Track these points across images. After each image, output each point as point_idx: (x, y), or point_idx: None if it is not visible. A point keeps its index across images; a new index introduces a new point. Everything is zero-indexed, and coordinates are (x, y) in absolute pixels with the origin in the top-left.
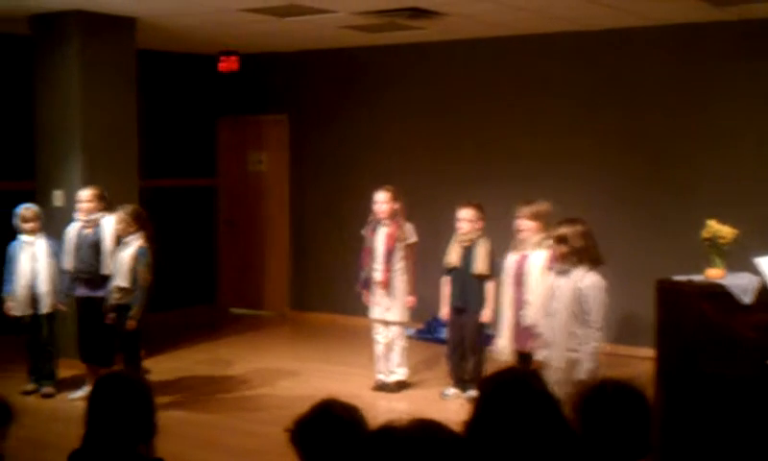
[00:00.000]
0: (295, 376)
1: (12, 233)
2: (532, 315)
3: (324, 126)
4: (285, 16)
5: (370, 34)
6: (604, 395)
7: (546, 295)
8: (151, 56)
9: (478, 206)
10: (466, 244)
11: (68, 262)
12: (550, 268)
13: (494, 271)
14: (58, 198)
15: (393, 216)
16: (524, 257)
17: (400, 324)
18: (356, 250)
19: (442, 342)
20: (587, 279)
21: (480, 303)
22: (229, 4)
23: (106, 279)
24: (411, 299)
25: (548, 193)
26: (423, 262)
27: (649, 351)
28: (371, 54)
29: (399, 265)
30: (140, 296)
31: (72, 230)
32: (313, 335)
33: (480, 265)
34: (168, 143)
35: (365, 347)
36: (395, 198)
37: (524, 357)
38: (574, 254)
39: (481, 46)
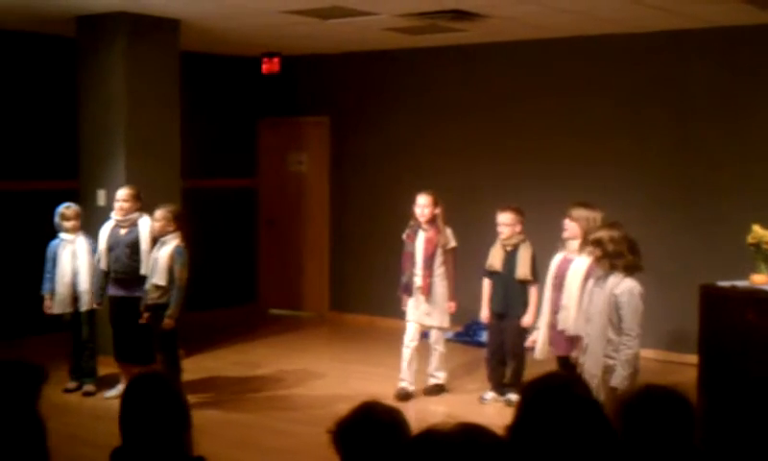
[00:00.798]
0: (333, 377)
1: (52, 233)
2: (566, 320)
3: (364, 128)
4: (328, 18)
5: (411, 36)
6: (647, 401)
7: (586, 301)
8: (193, 57)
9: (517, 210)
10: (508, 248)
11: (102, 262)
12: (588, 274)
13: (536, 275)
14: (101, 197)
15: (433, 221)
16: (567, 260)
17: (440, 328)
18: (396, 252)
19: (481, 345)
20: (622, 286)
21: (522, 308)
22: (273, 6)
23: (142, 279)
24: (452, 304)
25: (590, 196)
26: (462, 265)
27: (693, 358)
28: (412, 56)
29: (440, 270)
30: (177, 295)
31: (105, 230)
32: (352, 337)
33: (523, 270)
34: (210, 144)
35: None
36: (435, 202)
37: (563, 362)
38: (607, 258)
39: (523, 48)
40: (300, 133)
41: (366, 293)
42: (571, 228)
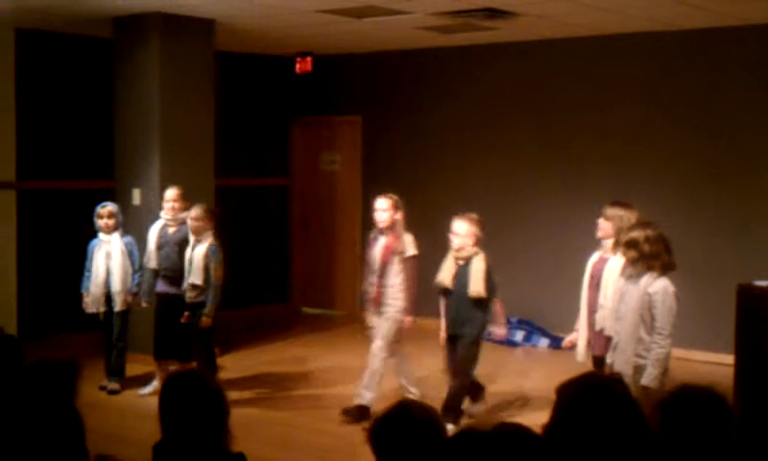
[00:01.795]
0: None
1: (89, 232)
2: (604, 320)
3: (397, 127)
4: (362, 17)
5: (444, 35)
6: (685, 400)
7: (617, 299)
8: (227, 57)
9: (474, 220)
10: (460, 262)
11: (153, 261)
12: (621, 273)
13: (493, 290)
14: (136, 197)
15: (393, 227)
16: (603, 260)
17: (384, 344)
18: (426, 252)
19: (514, 344)
20: (655, 285)
21: (477, 327)
22: (307, 5)
23: None
24: (408, 319)
25: (625, 196)
26: (495, 261)
27: (729, 358)
28: (445, 55)
29: (396, 281)
30: (213, 293)
31: (155, 229)
32: None
33: (475, 286)
34: (243, 143)
35: (435, 348)
36: (396, 206)
37: (600, 362)
38: (643, 259)
39: (556, 47)
40: (332, 133)
41: None
42: (605, 227)
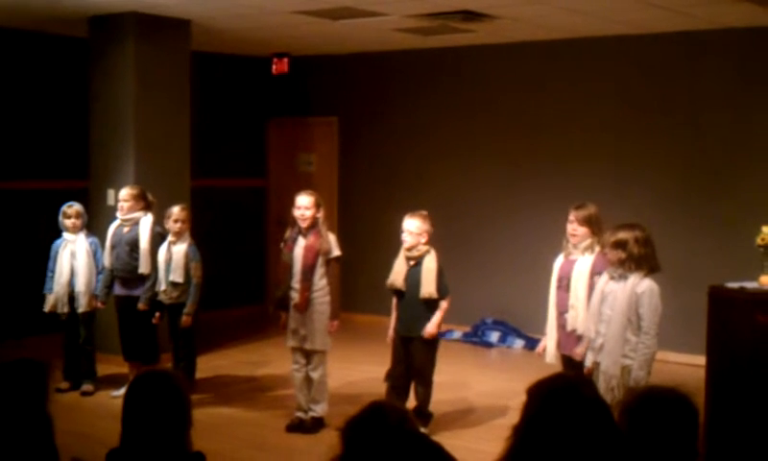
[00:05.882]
0: (342, 376)
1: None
2: (575, 320)
3: (373, 128)
4: (338, 19)
5: (421, 37)
6: (651, 401)
7: (598, 300)
8: (203, 57)
9: (426, 217)
10: (411, 262)
11: (106, 260)
12: (597, 272)
13: (444, 290)
14: (111, 197)
15: (314, 226)
16: (570, 262)
17: (321, 352)
18: None
19: (489, 345)
20: (642, 284)
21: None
22: (283, 6)
23: (142, 279)
24: (334, 323)
25: (601, 197)
26: (469, 264)
27: (701, 359)
28: (421, 57)
29: (321, 283)
30: (195, 292)
31: (111, 228)
32: (361, 337)
33: (428, 288)
34: (219, 143)
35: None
36: (318, 204)
37: (570, 362)
38: (632, 260)
39: (532, 50)
40: (309, 134)
41: (376, 293)
42: (579, 231)
